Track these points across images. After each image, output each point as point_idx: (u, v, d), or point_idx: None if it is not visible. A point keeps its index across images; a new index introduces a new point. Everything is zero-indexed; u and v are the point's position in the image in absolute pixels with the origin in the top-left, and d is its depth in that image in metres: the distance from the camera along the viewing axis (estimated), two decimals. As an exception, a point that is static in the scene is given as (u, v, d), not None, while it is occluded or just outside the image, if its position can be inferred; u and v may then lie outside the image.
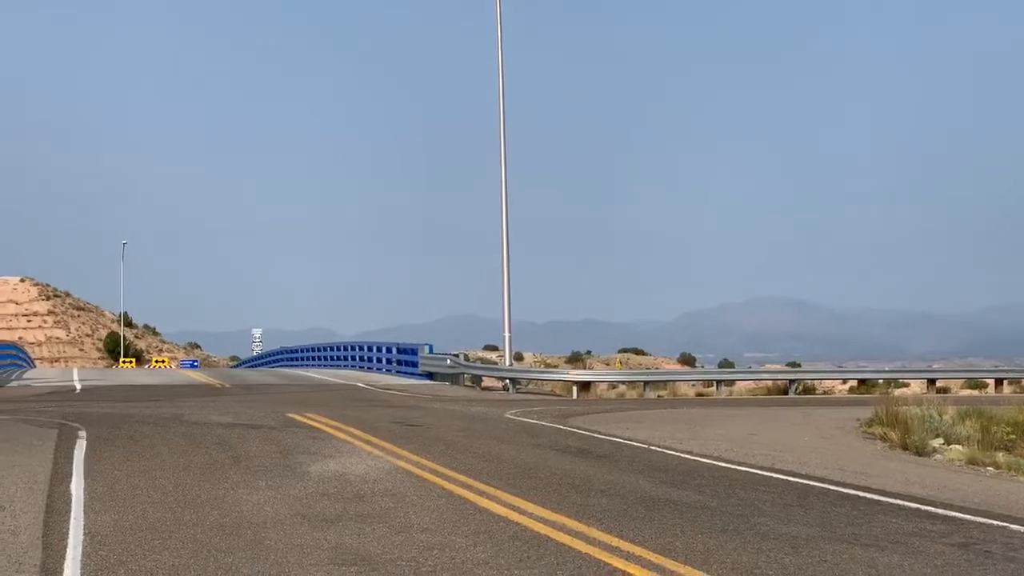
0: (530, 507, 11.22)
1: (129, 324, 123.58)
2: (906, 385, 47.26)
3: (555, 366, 61.97)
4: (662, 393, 40.53)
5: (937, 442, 18.60)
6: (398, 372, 46.06)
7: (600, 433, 19.96)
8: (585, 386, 36.19)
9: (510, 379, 38.20)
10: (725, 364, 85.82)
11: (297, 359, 65.38)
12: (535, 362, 70.82)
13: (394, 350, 47.94)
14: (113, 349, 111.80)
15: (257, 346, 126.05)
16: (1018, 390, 45.02)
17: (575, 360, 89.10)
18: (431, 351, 44.05)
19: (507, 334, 39.97)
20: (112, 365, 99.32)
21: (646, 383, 38.56)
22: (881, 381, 46.37)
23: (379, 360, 49.19)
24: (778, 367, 62.86)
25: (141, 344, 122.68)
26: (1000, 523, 10.96)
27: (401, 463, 14.52)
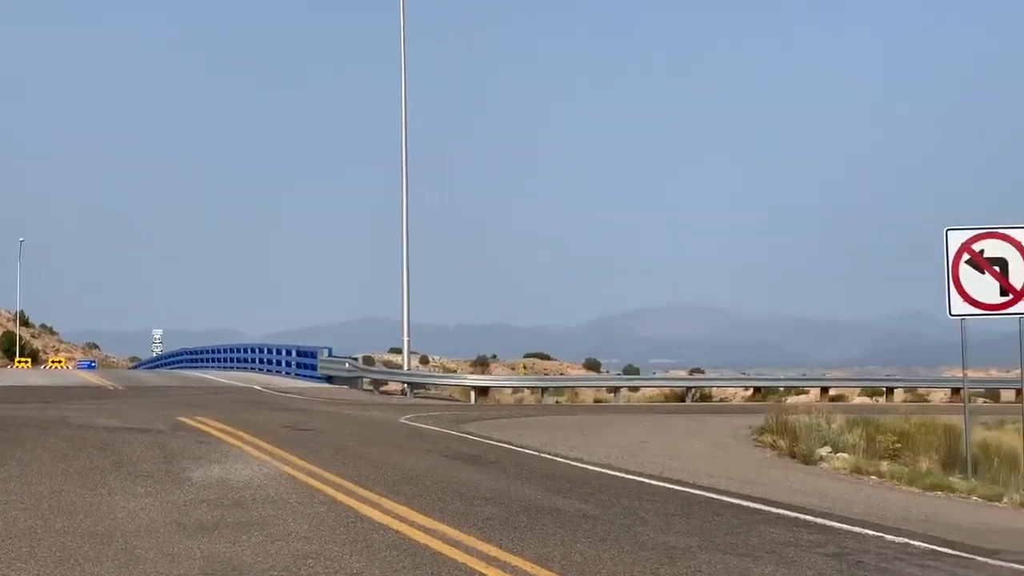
0: (413, 515, 11.14)
1: (25, 323, 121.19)
2: (805, 393, 47.84)
3: (455, 370, 62.00)
4: (560, 399, 40.66)
5: (824, 450, 18.85)
6: (297, 375, 45.72)
7: (492, 439, 19.94)
8: (483, 391, 36.22)
9: (409, 384, 38.09)
10: (630, 370, 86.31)
11: (198, 361, 64.62)
12: (434, 366, 70.69)
13: (294, 352, 47.59)
14: (8, 349, 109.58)
15: (157, 347, 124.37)
16: (912, 398, 45.81)
17: (480, 364, 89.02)
18: (331, 354, 43.77)
19: (406, 338, 39.86)
20: (7, 365, 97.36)
21: (544, 389, 38.66)
22: (782, 389, 46.97)
23: (279, 363, 48.80)
24: (678, 374, 63.37)
25: (38, 344, 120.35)
26: (876, 533, 11.10)
27: (287, 469, 14.35)
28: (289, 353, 48.30)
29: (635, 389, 46.50)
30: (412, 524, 10.65)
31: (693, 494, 13.50)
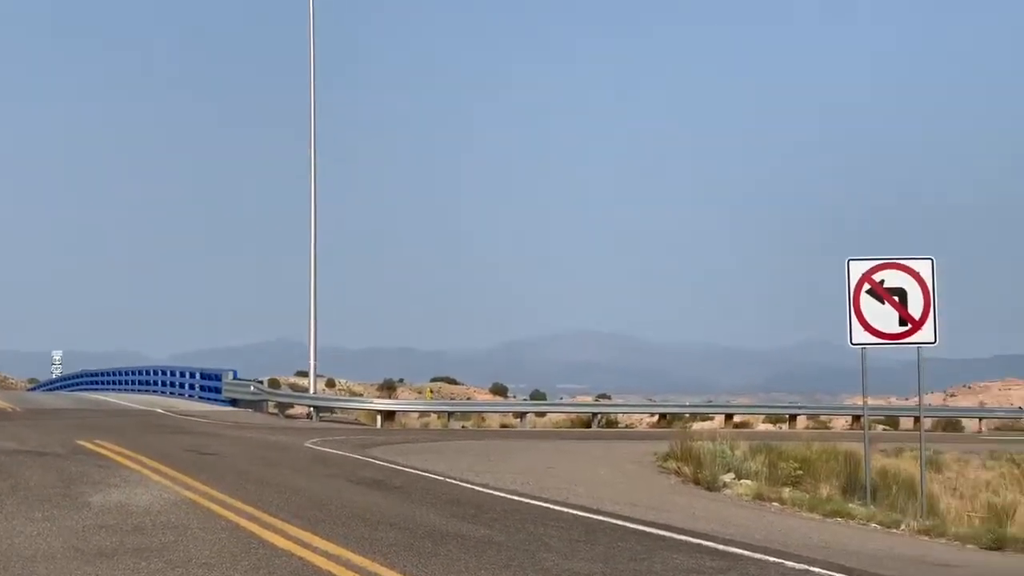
0: (316, 540, 11.04)
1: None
2: (710, 419, 48.29)
3: (361, 394, 61.74)
4: (467, 424, 40.64)
5: (728, 477, 19.03)
6: (201, 398, 45.13)
7: (398, 464, 19.85)
8: (390, 415, 36.08)
9: (315, 407, 37.82)
10: (537, 395, 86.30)
11: (98, 383, 63.47)
12: (341, 390, 70.34)
13: (197, 375, 47.00)
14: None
15: (57, 368, 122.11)
16: (814, 425, 46.44)
17: (387, 388, 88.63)
18: (235, 377, 43.29)
19: (313, 361, 39.58)
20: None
21: (451, 413, 38.61)
22: (687, 415, 47.34)
23: (182, 385, 48.13)
24: (585, 399, 63.70)
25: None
26: (777, 560, 11.20)
27: (189, 494, 14.15)
28: (192, 375, 47.69)
29: (542, 414, 46.64)
30: (315, 550, 10.55)
31: (598, 520, 13.54)
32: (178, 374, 49.83)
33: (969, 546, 13.96)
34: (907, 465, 22.00)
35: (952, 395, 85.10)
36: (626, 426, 45.86)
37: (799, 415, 48.03)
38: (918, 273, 17.34)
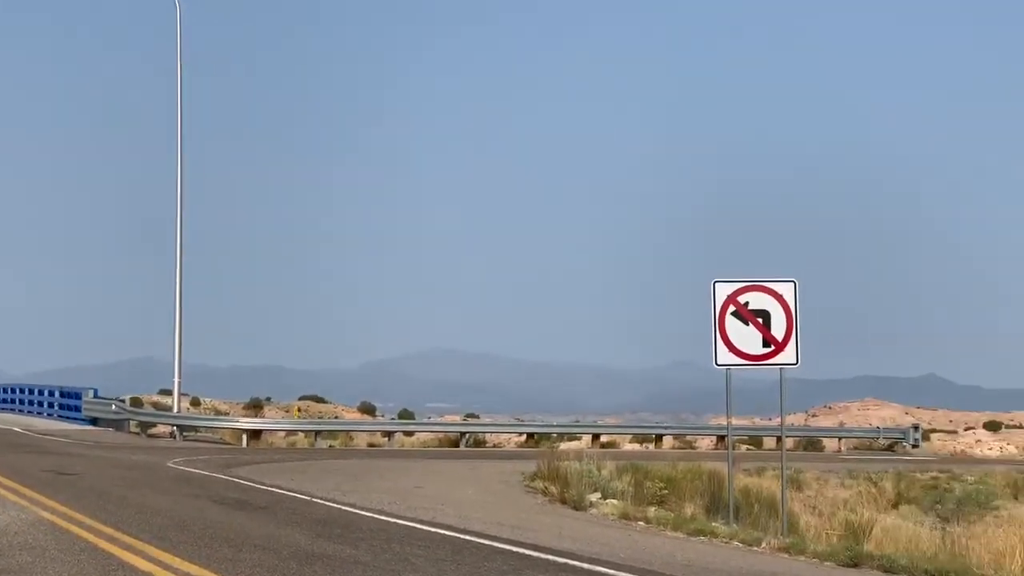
0: (178, 562, 10.85)
1: None
2: (578, 439, 48.65)
3: (227, 413, 60.84)
4: (334, 443, 40.34)
5: (595, 496, 19.17)
6: (60, 417, 44.12)
7: (264, 484, 19.63)
8: (256, 434, 35.67)
9: (178, 426, 37.22)
10: (405, 414, 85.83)
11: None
12: (206, 409, 69.22)
13: (56, 393, 45.98)
14: None
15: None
16: (680, 445, 47.08)
17: (253, 407, 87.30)
18: (96, 395, 42.41)
19: (177, 379, 39.00)
20: None
21: (318, 432, 38.31)
22: (556, 435, 47.62)
23: (40, 404, 47.05)
24: (453, 419, 63.60)
25: None
26: (640, 578, 11.34)
27: (47, 515, 13.82)
28: (52, 394, 46.64)
29: (410, 434, 46.52)
30: (177, 572, 10.38)
31: (464, 539, 13.54)
32: (36, 392, 48.70)
33: (827, 563, 14.23)
34: (769, 484, 22.40)
35: (814, 415, 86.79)
36: (494, 445, 45.96)
37: (665, 435, 48.62)
38: (781, 295, 17.68)
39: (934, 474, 30.04)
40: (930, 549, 17.44)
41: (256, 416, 60.09)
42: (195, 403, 68.34)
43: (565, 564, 11.97)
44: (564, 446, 39.52)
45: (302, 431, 41.94)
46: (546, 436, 46.43)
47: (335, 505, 16.83)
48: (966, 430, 74.79)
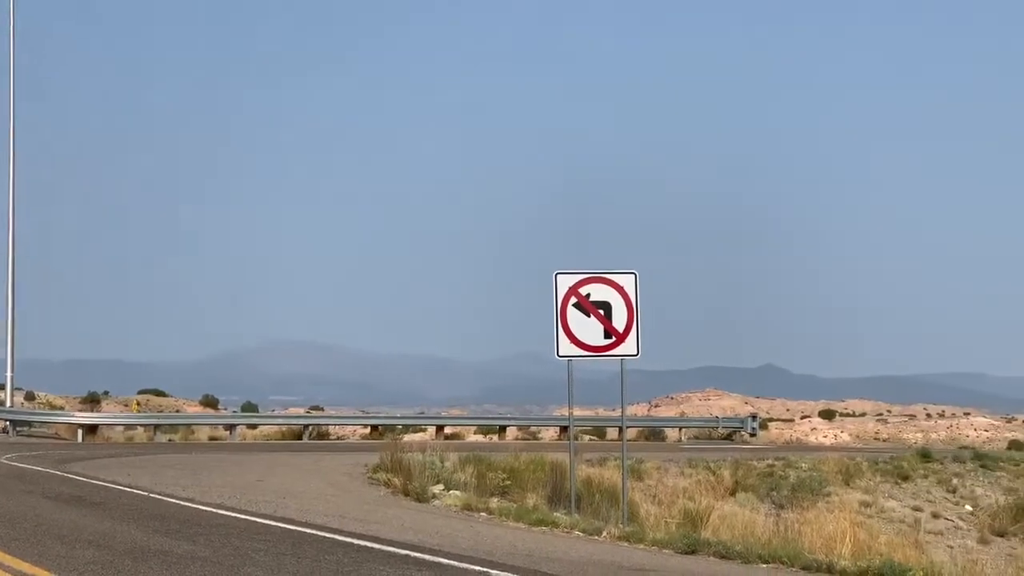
0: (8, 559, 10.56)
1: None
2: (423, 431, 48.62)
3: (63, 407, 59.42)
4: (174, 437, 39.66)
5: (438, 488, 19.19)
6: None
7: (99, 479, 19.21)
8: (92, 429, 34.89)
9: (11, 421, 36.21)
10: (249, 407, 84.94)
11: None
12: (41, 403, 67.48)
13: None
14: None
15: None
16: (525, 436, 47.37)
17: (91, 401, 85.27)
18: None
19: (10, 373, 37.93)
20: None
21: (157, 427, 37.62)
22: (400, 427, 47.53)
23: None
24: (297, 411, 63.09)
25: None
26: (482, 568, 11.36)
27: None
28: None
29: (253, 427, 45.94)
30: (7, 569, 10.10)
31: (305, 533, 13.43)
32: None
33: (665, 551, 14.48)
34: (611, 474, 22.68)
35: (656, 406, 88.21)
36: (337, 438, 45.65)
37: (509, 426, 48.91)
38: (622, 287, 17.89)
39: (770, 462, 30.74)
40: (764, 535, 17.88)
41: (93, 411, 58.70)
42: (30, 398, 66.48)
43: (407, 556, 11.95)
44: (408, 438, 39.45)
45: (141, 425, 41.12)
46: (391, 428, 46.33)
47: (173, 500, 16.56)
48: (802, 419, 76.83)
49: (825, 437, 59.51)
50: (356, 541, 12.90)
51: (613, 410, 66.44)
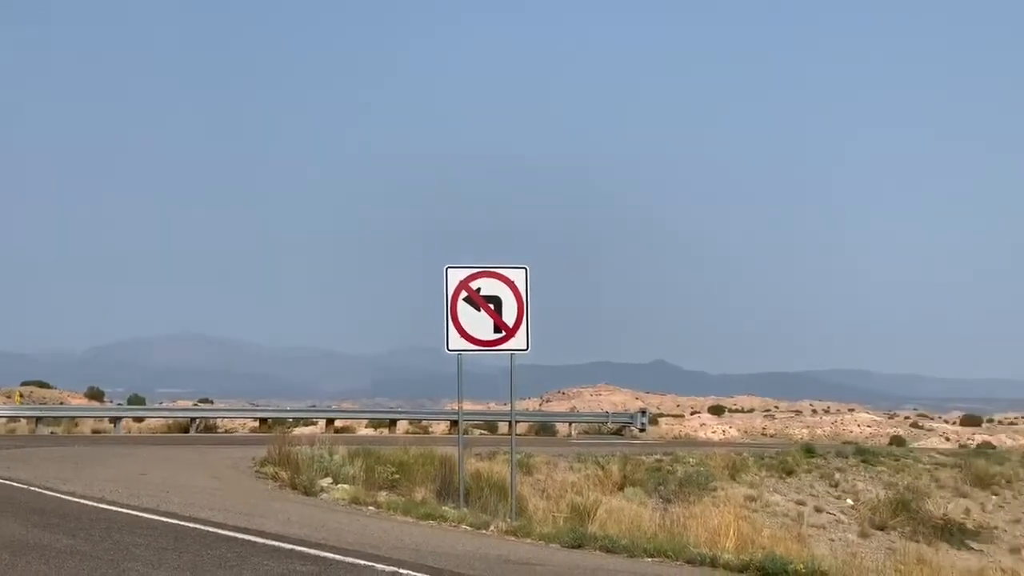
0: None
1: None
2: (313, 424, 48.29)
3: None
4: (57, 430, 38.90)
5: (326, 482, 19.06)
6: None
7: (-24, 473, 18.75)
8: (-27, 421, 34.03)
9: None
10: (136, 400, 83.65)
11: None
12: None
13: None
14: None
15: None
16: (415, 430, 47.29)
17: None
18: None
19: None
20: None
21: (40, 419, 36.87)
22: (291, 420, 47.15)
23: None
24: (184, 404, 62.26)
25: None
26: (368, 563, 11.28)
27: None
28: None
29: (139, 420, 45.24)
30: None
31: (188, 527, 13.24)
32: None
33: (552, 545, 14.53)
34: (500, 468, 22.70)
35: (548, 401, 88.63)
36: (226, 431, 45.13)
37: (400, 420, 48.79)
38: (513, 282, 17.92)
39: (658, 457, 31.01)
40: (651, 529, 18.06)
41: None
42: (-94, 390, 64.85)
43: (291, 550, 11.83)
44: (298, 431, 39.14)
45: (23, 417, 40.26)
46: (281, 421, 45.95)
47: (53, 494, 16.21)
48: (692, 414, 77.82)
49: (714, 433, 60.35)
50: (240, 535, 12.74)
51: (505, 404, 66.46)
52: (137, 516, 14.13)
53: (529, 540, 14.95)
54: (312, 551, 11.83)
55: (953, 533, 27.87)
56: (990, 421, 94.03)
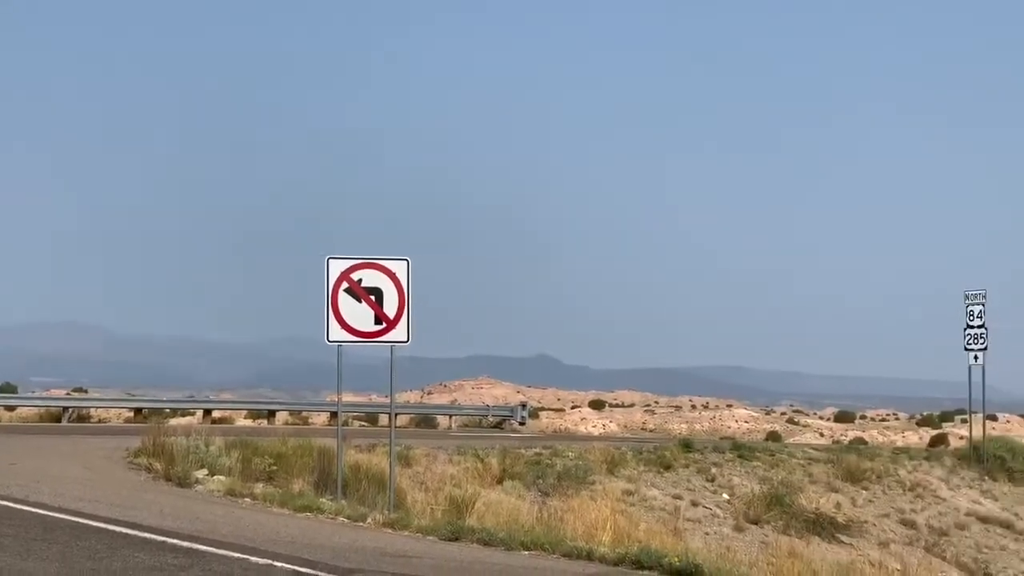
0: None
1: None
2: (191, 414, 47.56)
3: None
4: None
5: (202, 473, 18.79)
6: None
7: None
8: None
9: None
10: (7, 388, 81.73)
11: None
12: None
13: None
14: None
15: None
16: (296, 421, 46.87)
17: None
18: None
19: None
20: None
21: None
22: (168, 410, 46.43)
23: None
24: (57, 393, 60.91)
25: None
26: (242, 555, 11.18)
27: None
28: None
29: (11, 408, 44.18)
30: None
31: (58, 518, 12.96)
32: None
33: (430, 537, 14.52)
34: (380, 460, 22.58)
35: (429, 393, 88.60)
36: (100, 421, 44.27)
37: (280, 411, 48.32)
38: (394, 273, 17.86)
39: (538, 450, 31.10)
40: (528, 522, 18.11)
41: None
42: None
43: (164, 543, 11.66)
44: (175, 422, 38.53)
45: None
46: (157, 411, 45.21)
47: (-83, 484, 15.78)
48: (573, 408, 78.28)
49: (594, 427, 60.73)
50: (111, 527, 12.51)
51: (386, 396, 66.29)
52: (6, 507, 13.81)
53: (407, 532, 14.92)
54: (185, 543, 11.67)
55: (824, 527, 28.41)
56: (863, 418, 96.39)
